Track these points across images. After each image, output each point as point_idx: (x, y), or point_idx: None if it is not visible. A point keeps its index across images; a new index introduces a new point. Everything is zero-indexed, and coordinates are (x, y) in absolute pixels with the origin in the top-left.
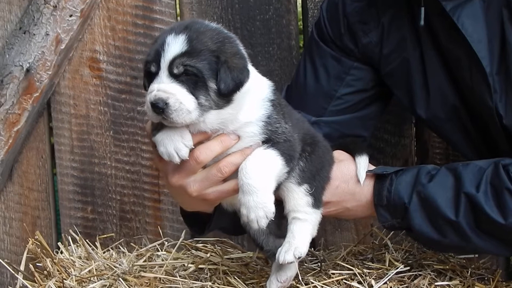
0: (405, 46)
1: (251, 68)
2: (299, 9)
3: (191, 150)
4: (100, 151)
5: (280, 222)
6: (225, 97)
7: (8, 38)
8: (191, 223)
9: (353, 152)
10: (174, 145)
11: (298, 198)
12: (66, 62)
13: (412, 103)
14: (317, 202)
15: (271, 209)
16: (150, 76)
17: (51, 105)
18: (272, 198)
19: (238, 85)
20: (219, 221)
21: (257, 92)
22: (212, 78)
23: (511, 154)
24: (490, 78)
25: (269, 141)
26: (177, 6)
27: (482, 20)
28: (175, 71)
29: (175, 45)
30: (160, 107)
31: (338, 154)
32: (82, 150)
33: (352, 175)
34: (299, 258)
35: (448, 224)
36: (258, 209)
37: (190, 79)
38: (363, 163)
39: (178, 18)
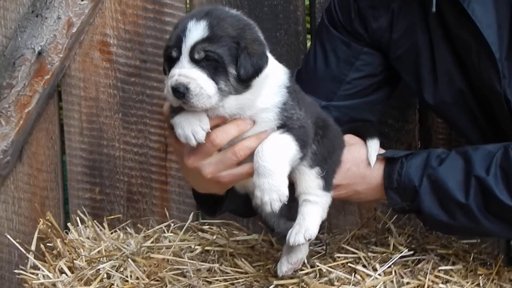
0: (414, 31)
1: (269, 54)
2: None
3: (208, 133)
4: (109, 133)
5: (291, 205)
6: (245, 82)
7: (20, 21)
8: (202, 204)
9: (364, 136)
10: (192, 128)
11: (310, 180)
12: (77, 45)
13: (420, 88)
14: (327, 185)
15: (285, 192)
16: (171, 61)
17: (62, 87)
18: (286, 182)
19: (257, 70)
20: (231, 203)
21: (274, 79)
22: (232, 64)
23: None
24: (499, 63)
25: (284, 126)
26: None
27: (492, 6)
28: (196, 56)
29: (196, 31)
30: (181, 92)
31: (349, 138)
32: (91, 132)
33: (362, 159)
34: (309, 240)
35: (458, 206)
36: (272, 192)
37: (211, 64)
38: (374, 146)
39: (187, 3)
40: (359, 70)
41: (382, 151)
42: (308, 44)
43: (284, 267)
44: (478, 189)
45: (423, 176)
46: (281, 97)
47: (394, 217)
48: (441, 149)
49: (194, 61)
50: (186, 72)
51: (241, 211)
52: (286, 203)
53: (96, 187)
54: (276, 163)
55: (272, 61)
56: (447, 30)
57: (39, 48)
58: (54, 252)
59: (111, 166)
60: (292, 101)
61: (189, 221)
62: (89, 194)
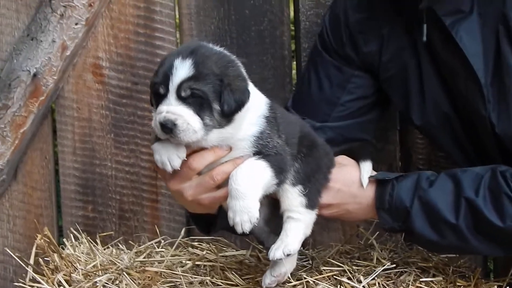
0: (402, 55)
1: (251, 87)
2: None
3: (187, 157)
4: (101, 152)
5: (279, 222)
6: (228, 117)
7: (16, 44)
8: (197, 223)
9: (357, 158)
10: (168, 155)
11: (292, 198)
12: (70, 68)
13: (407, 109)
14: (311, 203)
15: (255, 214)
16: (159, 97)
17: (56, 108)
18: (257, 205)
19: (239, 105)
20: (223, 221)
21: (254, 110)
22: (216, 100)
23: (500, 161)
24: (484, 89)
25: (260, 153)
26: (177, 16)
27: (478, 34)
28: (183, 94)
29: (182, 70)
30: (169, 127)
31: (342, 159)
32: (84, 152)
33: (354, 180)
34: (288, 255)
35: (448, 226)
36: (243, 213)
37: (196, 101)
38: (366, 168)
39: (177, 27)
40: (351, 92)
41: (374, 173)
42: (294, 67)
43: (267, 280)
44: (467, 210)
45: (414, 198)
46: (259, 127)
47: (376, 233)
48: (430, 171)
49: (180, 98)
50: (173, 109)
51: (234, 229)
52: (257, 224)
53: (89, 205)
54: (248, 186)
55: (253, 93)
56: (435, 55)
57: (34, 70)
58: (51, 266)
59: (103, 184)
60: (270, 130)
61: (180, 237)
62: (82, 212)
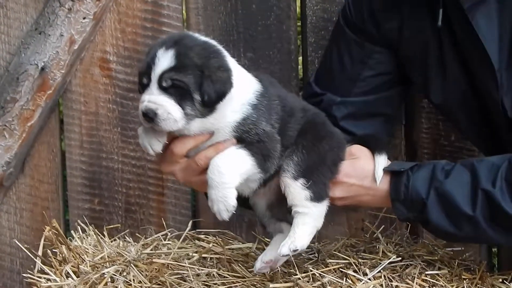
0: (423, 34)
1: (240, 75)
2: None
3: (168, 144)
4: (108, 146)
5: (281, 208)
6: (209, 107)
7: (24, 38)
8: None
9: (372, 150)
10: (149, 140)
11: (296, 192)
12: (78, 62)
13: (426, 87)
14: (317, 195)
15: (231, 203)
16: (142, 86)
17: (63, 102)
18: (233, 194)
19: (220, 96)
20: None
21: (238, 98)
22: (197, 91)
23: None
24: (498, 73)
25: (242, 139)
26: (184, 11)
27: (495, 19)
28: (164, 84)
29: (164, 60)
30: (150, 117)
31: (356, 150)
32: (91, 145)
33: (367, 174)
34: (294, 251)
35: (465, 218)
36: (219, 202)
37: (177, 91)
38: (381, 162)
39: (184, 20)
40: (372, 68)
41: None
42: (300, 61)
43: (257, 264)
44: (485, 202)
45: (430, 189)
46: (242, 114)
47: (382, 227)
48: (445, 161)
49: (162, 88)
50: (154, 99)
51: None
52: (235, 212)
53: (96, 198)
54: (224, 176)
55: (240, 81)
56: (454, 37)
57: (42, 64)
58: (59, 257)
59: (110, 178)
60: (256, 117)
61: (187, 229)
62: (88, 205)
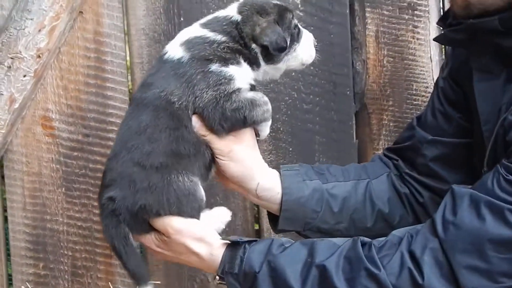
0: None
1: None
2: None
3: None
4: (52, 207)
5: None
6: None
7: None
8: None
9: None
10: None
11: None
12: (19, 121)
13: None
14: None
15: None
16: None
17: (4, 163)
18: None
19: None
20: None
21: None
22: None
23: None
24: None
25: None
26: (128, 65)
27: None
28: None
29: None
30: None
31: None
32: (34, 207)
33: (197, 236)
34: None
35: None
36: None
37: None
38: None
39: (129, 76)
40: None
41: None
42: None
43: None
44: (317, 278)
45: (264, 262)
46: None
47: None
48: (286, 238)
49: None
50: None
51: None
52: None
53: (40, 262)
54: None
55: None
56: None
57: None
58: None
59: (55, 240)
60: None
61: None
62: (33, 269)
